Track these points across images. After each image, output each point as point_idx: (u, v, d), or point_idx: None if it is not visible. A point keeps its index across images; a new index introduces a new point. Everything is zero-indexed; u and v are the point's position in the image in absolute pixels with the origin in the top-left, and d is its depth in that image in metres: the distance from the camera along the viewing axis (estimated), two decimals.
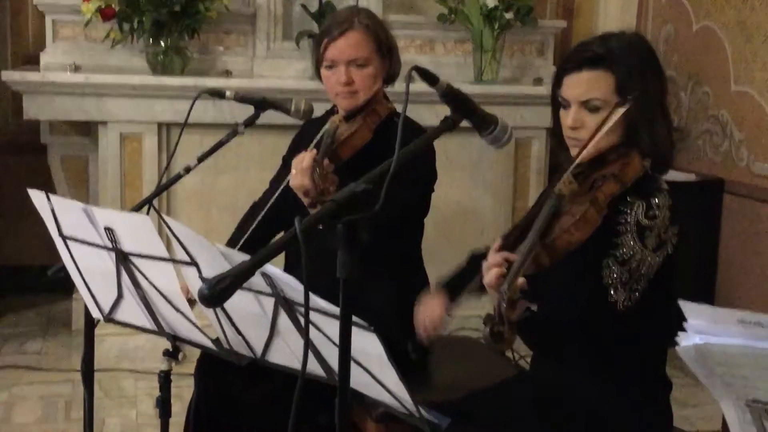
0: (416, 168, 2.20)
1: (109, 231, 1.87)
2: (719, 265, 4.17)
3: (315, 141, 2.35)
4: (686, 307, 1.01)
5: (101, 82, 3.73)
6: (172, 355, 2.03)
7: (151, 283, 1.89)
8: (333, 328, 1.46)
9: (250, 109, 2.38)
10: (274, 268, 1.50)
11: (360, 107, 2.42)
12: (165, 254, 1.81)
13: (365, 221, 1.30)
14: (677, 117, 4.45)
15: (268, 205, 2.43)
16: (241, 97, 2.39)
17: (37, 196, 1.98)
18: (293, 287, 1.49)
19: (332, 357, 1.59)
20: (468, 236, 4.12)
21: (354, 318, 1.35)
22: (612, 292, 1.83)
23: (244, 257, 1.59)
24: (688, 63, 4.43)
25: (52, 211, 1.97)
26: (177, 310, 1.89)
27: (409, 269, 2.53)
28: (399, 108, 2.54)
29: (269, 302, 1.61)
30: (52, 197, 1.95)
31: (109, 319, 2.10)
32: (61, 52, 3.97)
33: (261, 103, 2.40)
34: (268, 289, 1.56)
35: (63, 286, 4.11)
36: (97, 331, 2.25)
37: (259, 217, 2.46)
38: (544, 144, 4.13)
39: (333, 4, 4.04)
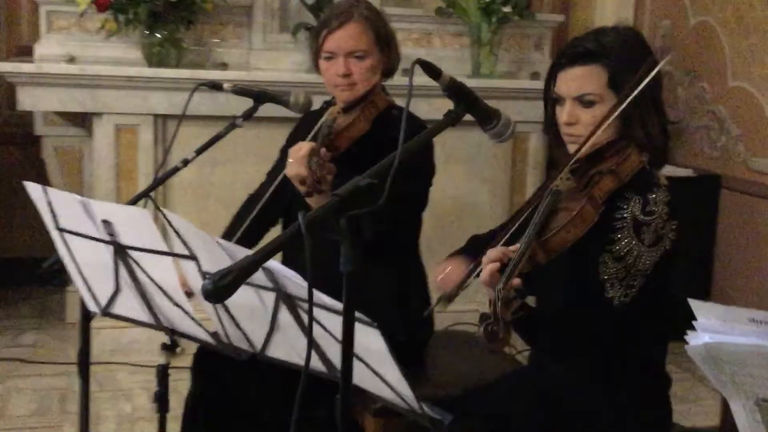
0: (416, 162, 2.19)
1: (106, 224, 1.85)
2: (715, 260, 4.18)
3: (313, 132, 2.34)
4: (696, 305, 1.00)
5: (96, 73, 3.70)
6: (170, 349, 2.02)
7: (149, 276, 1.88)
8: (335, 323, 1.45)
9: (246, 102, 2.37)
10: (275, 262, 1.48)
11: (358, 99, 2.41)
12: (164, 248, 1.79)
13: (369, 216, 1.28)
14: (674, 112, 4.44)
15: (265, 197, 2.41)
16: (240, 90, 2.38)
17: (33, 189, 1.96)
18: (295, 282, 1.47)
19: (333, 352, 1.58)
20: (465, 231, 4.06)
21: (357, 314, 1.34)
22: (608, 288, 1.82)
23: (245, 252, 1.58)
24: (685, 58, 4.43)
25: (49, 203, 1.95)
26: (175, 304, 1.87)
27: (406, 263, 2.52)
28: (397, 101, 2.53)
29: (270, 297, 1.59)
30: (49, 190, 1.93)
31: (106, 312, 2.09)
32: (56, 43, 3.94)
33: (260, 96, 2.38)
34: (269, 284, 1.55)
35: (57, 278, 4.10)
36: (92, 324, 2.24)
37: (256, 209, 2.44)
38: (541, 139, 4.12)
39: None
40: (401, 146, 1.40)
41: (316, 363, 1.64)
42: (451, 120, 1.58)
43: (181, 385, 2.44)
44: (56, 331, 4.10)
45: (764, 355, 0.95)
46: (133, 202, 2.25)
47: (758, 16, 3.98)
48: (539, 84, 4.18)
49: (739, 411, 1.03)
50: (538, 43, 4.48)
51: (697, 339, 0.99)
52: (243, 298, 1.64)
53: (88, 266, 2.01)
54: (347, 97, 2.42)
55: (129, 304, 2.01)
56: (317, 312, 1.51)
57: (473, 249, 2.12)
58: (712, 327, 0.98)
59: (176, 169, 2.31)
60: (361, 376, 1.46)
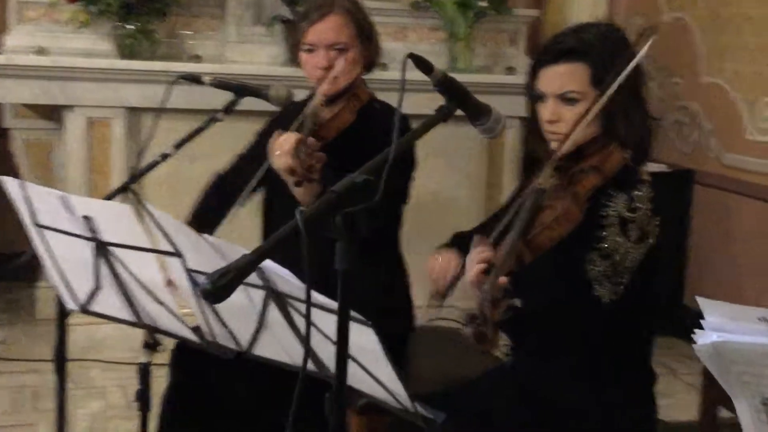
0: (402, 156, 2.17)
1: (87, 220, 1.81)
2: (689, 255, 4.20)
3: (296, 124, 2.31)
4: (705, 304, 0.99)
5: (68, 65, 3.64)
6: (151, 347, 1.98)
7: (131, 273, 1.84)
8: (326, 321, 1.43)
9: (221, 95, 2.33)
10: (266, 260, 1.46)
11: (340, 92, 2.39)
12: (147, 244, 1.75)
13: (364, 212, 1.26)
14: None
15: (251, 185, 2.35)
16: (220, 83, 2.34)
17: (11, 184, 1.91)
18: (286, 280, 1.45)
19: (324, 350, 1.56)
20: (443, 225, 4.06)
21: (351, 312, 1.32)
22: (596, 286, 1.82)
23: (233, 247, 1.55)
24: (658, 54, 4.44)
25: (27, 199, 1.90)
26: (159, 302, 1.83)
27: (389, 257, 2.52)
28: (379, 95, 2.52)
29: (258, 294, 1.56)
30: (27, 185, 1.88)
31: (84, 310, 2.04)
32: (26, 35, 3.87)
33: (240, 89, 2.35)
34: (259, 282, 1.52)
35: (27, 274, 4.03)
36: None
37: (243, 198, 2.38)
38: (518, 133, 4.13)
39: None
40: (395, 141, 1.37)
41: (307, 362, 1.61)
42: (443, 115, 1.56)
43: (158, 382, 2.40)
44: (26, 328, 4.02)
45: None
46: (111, 197, 2.22)
47: (732, 13, 4.01)
48: (515, 79, 4.24)
49: (745, 410, 1.03)
50: (512, 38, 4.48)
51: (705, 338, 0.98)
52: (230, 296, 1.61)
53: (67, 263, 1.97)
54: (329, 90, 2.39)
55: (109, 302, 1.97)
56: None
57: (459, 245, 2.10)
58: (721, 325, 0.97)
59: (155, 164, 2.28)
60: (353, 375, 1.44)
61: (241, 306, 1.64)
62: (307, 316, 1.20)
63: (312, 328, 1.47)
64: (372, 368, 1.45)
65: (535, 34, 4.71)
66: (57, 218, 1.87)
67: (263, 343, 1.71)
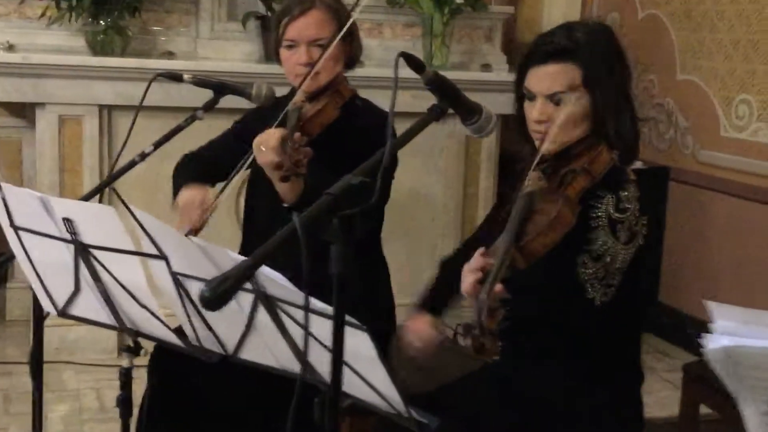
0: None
1: (67, 222, 1.77)
2: (664, 251, 4.22)
3: (278, 120, 2.27)
4: (715, 308, 0.97)
5: (39, 62, 3.56)
6: (133, 351, 1.94)
7: (113, 276, 1.80)
8: (318, 324, 1.40)
9: (196, 93, 2.29)
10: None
11: (322, 88, 2.36)
12: (130, 246, 1.71)
13: (360, 214, 1.23)
14: None
15: (232, 177, 2.31)
16: (200, 81, 2.30)
17: None
18: (277, 283, 1.41)
19: (314, 354, 1.53)
20: (419, 222, 4.09)
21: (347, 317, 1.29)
22: (589, 288, 1.80)
23: (221, 250, 1.52)
24: (633, 51, 4.45)
25: (4, 200, 1.85)
26: (141, 305, 1.79)
27: (371, 256, 2.50)
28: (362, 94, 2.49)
29: (247, 298, 1.53)
30: (5, 186, 1.84)
31: (63, 313, 2.00)
32: None
33: (220, 87, 2.31)
34: (248, 285, 1.48)
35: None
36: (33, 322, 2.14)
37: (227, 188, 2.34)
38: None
39: None
40: (390, 141, 1.35)
41: (295, 366, 1.58)
42: (436, 115, 1.53)
43: (134, 384, 2.35)
44: None
45: None
46: (88, 197, 2.17)
47: (707, 10, 4.03)
48: (491, 76, 4.23)
49: (752, 415, 1.01)
50: (488, 35, 4.46)
51: (715, 342, 0.96)
52: None
53: (46, 265, 1.92)
54: (309, 87, 2.36)
55: (89, 305, 1.92)
56: (299, 314, 1.45)
57: (448, 277, 2.05)
58: (732, 330, 0.95)
59: (133, 163, 2.24)
60: (346, 380, 1.41)
61: (229, 309, 1.60)
62: (306, 322, 1.17)
63: (302, 331, 1.44)
64: (365, 373, 1.42)
65: (510, 32, 4.70)
66: (36, 220, 1.82)
67: (250, 347, 1.68)
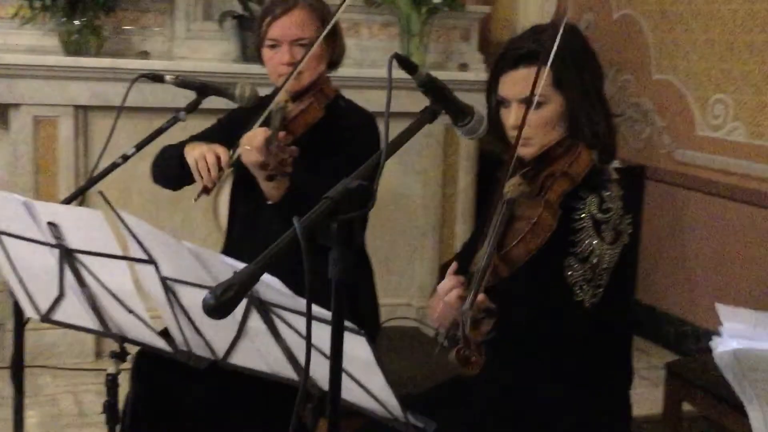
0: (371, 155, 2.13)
1: (52, 226, 1.74)
2: (640, 250, 4.24)
3: (262, 119, 2.25)
4: (724, 311, 0.97)
5: (13, 62, 3.51)
6: (119, 357, 1.91)
7: (99, 281, 1.77)
8: (315, 329, 1.38)
9: (175, 93, 2.26)
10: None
11: (306, 88, 2.35)
12: (118, 251, 1.68)
13: (359, 218, 1.22)
14: None
15: (235, 154, 2.28)
16: (182, 82, 2.28)
17: None
18: (272, 288, 1.40)
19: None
20: (398, 222, 4.07)
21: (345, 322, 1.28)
22: (577, 291, 1.80)
23: (214, 255, 1.50)
24: (608, 51, 4.47)
25: None
26: (129, 310, 1.76)
27: (357, 258, 2.47)
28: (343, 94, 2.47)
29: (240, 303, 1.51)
30: None
31: (46, 318, 1.96)
32: None
33: (203, 88, 2.29)
34: None
35: None
36: (8, 326, 2.10)
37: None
38: None
39: None
40: (386, 145, 1.33)
41: (287, 371, 1.57)
42: (429, 117, 1.53)
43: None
44: None
45: None
46: (69, 200, 2.14)
47: (682, 10, 4.06)
48: (468, 75, 4.22)
49: (758, 418, 1.02)
50: (465, 35, 4.45)
51: (724, 345, 0.96)
52: None
53: (28, 270, 1.89)
54: (292, 87, 2.34)
55: (73, 310, 1.89)
56: (293, 319, 1.44)
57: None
58: (741, 332, 0.95)
59: (115, 165, 2.22)
60: (342, 385, 1.40)
61: None
62: (308, 329, 1.16)
63: (300, 339, 1.43)
64: (362, 378, 1.41)
65: (485, 31, 4.70)
66: (19, 224, 1.79)
67: (240, 352, 1.66)
